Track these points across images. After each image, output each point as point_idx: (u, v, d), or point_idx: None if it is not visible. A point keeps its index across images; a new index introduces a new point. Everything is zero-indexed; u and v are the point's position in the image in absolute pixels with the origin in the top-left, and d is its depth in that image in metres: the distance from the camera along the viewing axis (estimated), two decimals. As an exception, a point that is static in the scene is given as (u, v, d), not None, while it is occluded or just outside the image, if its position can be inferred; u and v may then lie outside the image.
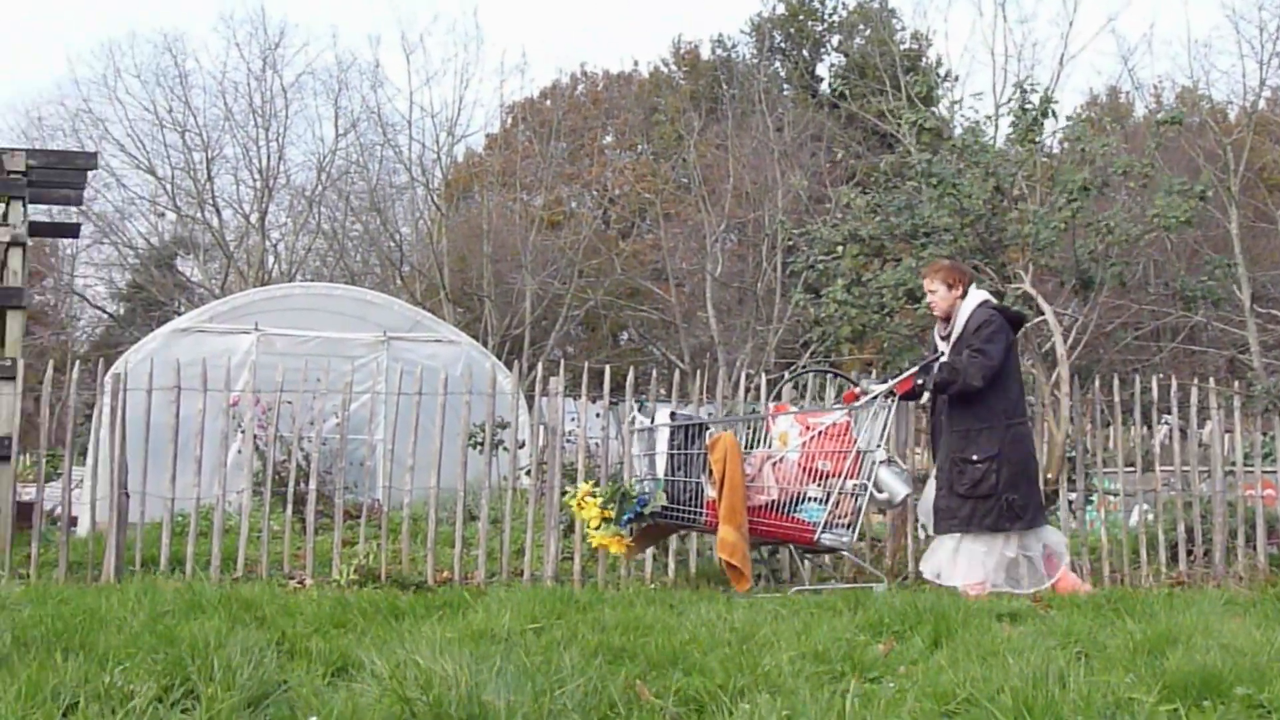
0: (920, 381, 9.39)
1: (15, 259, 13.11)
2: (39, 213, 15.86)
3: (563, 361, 13.61)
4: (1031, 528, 9.29)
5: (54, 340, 39.81)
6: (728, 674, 5.21)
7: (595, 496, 9.11)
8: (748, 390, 11.22)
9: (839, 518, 9.08)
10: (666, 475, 9.21)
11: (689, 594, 8.48)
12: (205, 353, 12.65)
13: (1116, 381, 11.07)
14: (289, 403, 10.81)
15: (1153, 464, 11.19)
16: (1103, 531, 10.68)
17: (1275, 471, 13.33)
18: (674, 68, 48.53)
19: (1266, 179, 33.07)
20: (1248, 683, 5.05)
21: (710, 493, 9.00)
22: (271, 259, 40.72)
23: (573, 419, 11.68)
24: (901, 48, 38.86)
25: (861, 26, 44.73)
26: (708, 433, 9.30)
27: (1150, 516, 10.95)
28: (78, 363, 11.36)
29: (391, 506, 11.34)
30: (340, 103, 40.98)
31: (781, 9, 46.74)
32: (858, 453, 9.17)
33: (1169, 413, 11.42)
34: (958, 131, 16.15)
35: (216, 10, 76.38)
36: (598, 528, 9.07)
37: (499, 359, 23.78)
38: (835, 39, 47.09)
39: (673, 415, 9.47)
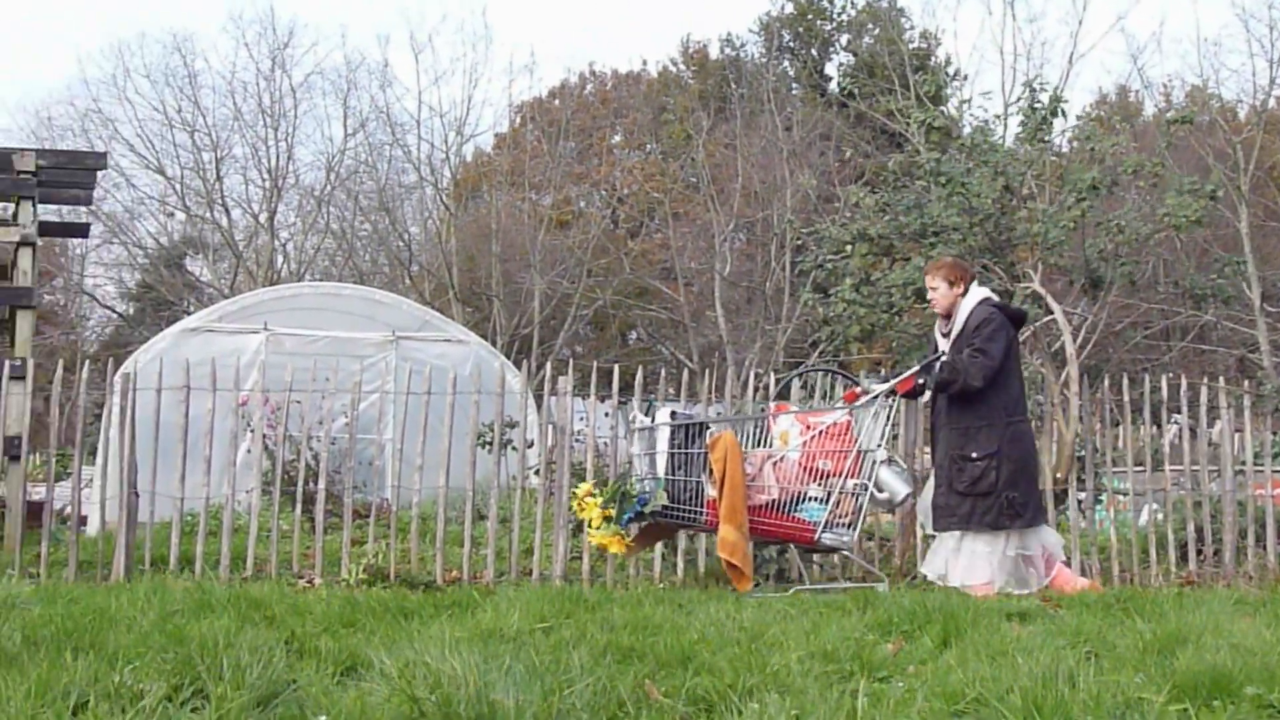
0: (921, 381, 9.38)
1: (25, 259, 13.15)
2: (48, 212, 15.90)
3: (571, 361, 13.62)
4: (1031, 526, 9.27)
5: (64, 340, 39.89)
6: (737, 673, 5.21)
7: (595, 497, 9.11)
8: (756, 390, 11.22)
9: (840, 517, 9.06)
10: (667, 474, 9.19)
11: (698, 593, 8.46)
12: (214, 352, 12.66)
13: (1126, 381, 11.06)
14: (298, 402, 10.81)
15: (1162, 463, 11.19)
16: (1112, 531, 10.68)
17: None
18: (683, 67, 48.53)
19: (1276, 178, 32.99)
20: (1258, 682, 5.04)
21: (711, 492, 8.97)
22: (280, 259, 40.78)
23: (581, 418, 11.68)
24: (910, 47, 38.91)
25: (870, 25, 44.71)
26: (708, 432, 9.29)
27: (1160, 516, 10.94)
28: (87, 362, 11.38)
29: (400, 506, 11.36)
30: (349, 102, 41.09)
31: (790, 8, 46.72)
32: (858, 452, 9.15)
33: (1178, 412, 11.40)
34: (967, 130, 16.09)
35: (225, 10, 76.67)
36: (598, 527, 9.06)
37: (508, 358, 23.83)
38: (844, 38, 47.11)
39: (673, 414, 9.46)
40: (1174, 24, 77.26)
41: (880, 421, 9.26)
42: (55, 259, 40.18)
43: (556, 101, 44.36)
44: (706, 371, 11.23)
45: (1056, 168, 14.24)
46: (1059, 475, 10.68)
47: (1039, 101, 13.05)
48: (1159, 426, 11.26)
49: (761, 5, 63.63)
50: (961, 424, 9.24)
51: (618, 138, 45.80)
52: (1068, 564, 9.76)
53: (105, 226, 39.40)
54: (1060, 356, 11.55)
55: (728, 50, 47.32)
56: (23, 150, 13.71)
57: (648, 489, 9.19)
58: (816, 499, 9.08)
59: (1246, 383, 11.75)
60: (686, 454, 9.17)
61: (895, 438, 10.87)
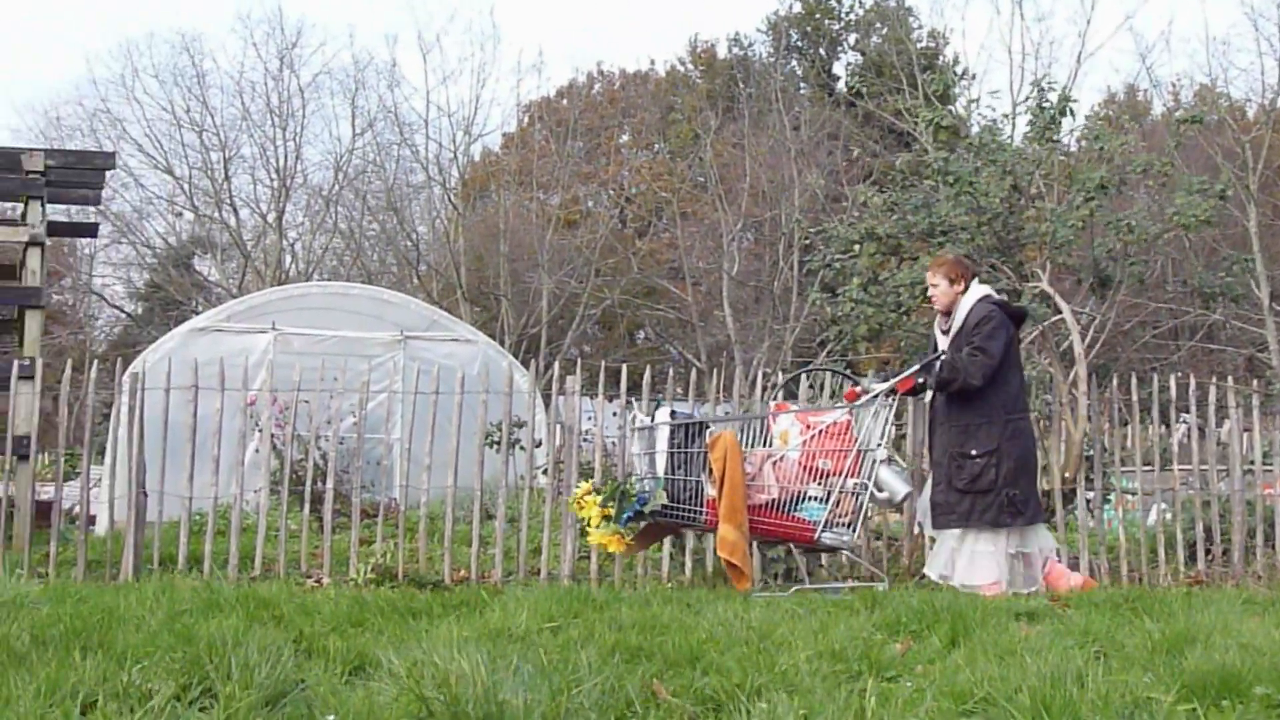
0: (921, 380, 9.37)
1: (34, 259, 13.16)
2: (57, 212, 15.91)
3: (579, 360, 13.61)
4: (1031, 524, 9.26)
5: (72, 339, 39.92)
6: (745, 673, 5.21)
7: (594, 496, 9.10)
8: (765, 390, 11.21)
9: (840, 517, 9.05)
10: (666, 474, 9.18)
11: (706, 593, 8.46)
12: (223, 352, 12.68)
13: (1134, 380, 11.04)
14: (306, 402, 10.82)
15: (1171, 463, 11.17)
16: (1121, 530, 10.65)
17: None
18: (690, 67, 48.52)
19: (1286, 177, 32.96)
20: (1267, 682, 5.03)
21: (710, 491, 8.97)
22: (289, 258, 40.81)
23: (589, 418, 11.68)
24: (918, 46, 38.87)
25: (878, 25, 44.73)
26: (707, 431, 9.28)
27: (1168, 515, 10.93)
28: (96, 362, 11.38)
29: (408, 505, 11.35)
30: (357, 102, 41.12)
31: (798, 7, 46.73)
32: (858, 451, 9.14)
33: (1187, 411, 11.40)
34: (975, 130, 16.10)
35: (234, 10, 76.68)
36: (597, 527, 9.06)
37: (516, 358, 23.81)
38: (852, 37, 47.08)
39: (672, 414, 9.45)
40: (1182, 23, 77.53)
41: (880, 421, 9.25)
42: (64, 259, 40.26)
43: (564, 101, 44.39)
44: (715, 371, 11.23)
45: (1065, 167, 14.22)
46: (1067, 475, 10.68)
47: (1047, 101, 13.05)
48: (1167, 426, 11.23)
49: (769, 5, 63.66)
50: (961, 421, 9.23)
51: (625, 137, 45.77)
52: (1061, 560, 9.74)
53: (114, 226, 39.45)
54: (1068, 356, 11.55)
55: (735, 50, 47.36)
56: (31, 150, 13.71)
57: (647, 488, 9.18)
58: (816, 498, 9.07)
59: (1255, 382, 11.75)
60: (686, 453, 9.16)
61: (903, 437, 10.87)
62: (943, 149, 14.11)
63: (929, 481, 9.56)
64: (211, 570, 9.92)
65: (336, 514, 10.54)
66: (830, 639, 6.14)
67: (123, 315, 44.44)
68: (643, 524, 9.29)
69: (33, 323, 13.09)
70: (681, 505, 9.08)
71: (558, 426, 10.75)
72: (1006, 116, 22.68)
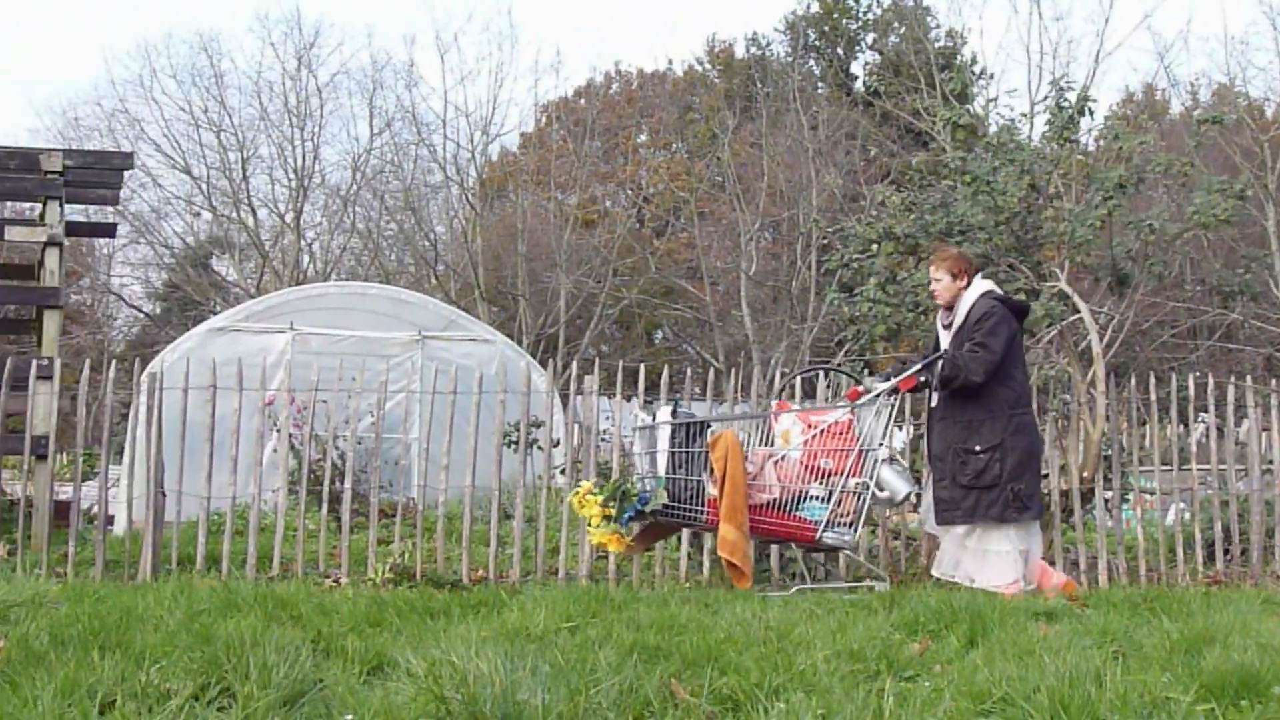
0: (923, 379, 9.35)
1: (52, 259, 13.20)
2: (76, 213, 15.95)
3: (597, 360, 13.60)
4: (1035, 520, 9.25)
5: (90, 339, 39.94)
6: (763, 673, 5.20)
7: (596, 495, 9.09)
8: (782, 390, 11.20)
9: (841, 516, 9.03)
10: (668, 473, 9.17)
11: (723, 593, 8.46)
12: (241, 352, 12.70)
13: (1153, 379, 11.02)
14: (324, 402, 10.84)
15: (1189, 462, 11.15)
16: (1139, 530, 10.64)
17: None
18: (708, 66, 48.49)
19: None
20: (1286, 683, 5.03)
21: (711, 491, 8.97)
22: (306, 258, 40.86)
23: (607, 418, 11.68)
24: (936, 45, 38.84)
25: (896, 24, 44.63)
26: (709, 430, 9.28)
27: (1187, 515, 10.91)
28: (114, 362, 11.41)
29: (426, 505, 11.36)
30: (375, 102, 41.16)
31: (816, 7, 46.69)
32: (860, 451, 9.12)
33: (1206, 410, 11.37)
34: (993, 129, 16.07)
35: (252, 10, 76.56)
36: (598, 526, 9.05)
37: (534, 358, 23.81)
38: (870, 37, 47.03)
39: (674, 413, 9.44)
40: (1201, 22, 77.28)
41: (882, 420, 9.23)
42: (82, 259, 40.34)
43: (582, 101, 44.39)
44: (733, 371, 11.22)
45: (1083, 166, 14.18)
46: (1086, 474, 10.65)
47: (1066, 100, 13.01)
48: (1186, 425, 11.21)
49: (787, 4, 63.57)
50: (964, 417, 9.20)
51: (643, 137, 45.75)
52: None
53: (132, 226, 39.49)
54: (1087, 355, 11.52)
55: (753, 49, 47.32)
56: (50, 150, 13.76)
57: (648, 488, 9.18)
58: (818, 498, 9.06)
59: (1274, 381, 11.69)
60: (687, 453, 9.16)
61: (920, 437, 10.84)
62: (960, 148, 14.07)
63: (930, 479, 9.54)
64: (229, 570, 9.94)
65: (354, 514, 10.54)
66: (848, 639, 6.13)
67: (141, 315, 44.54)
68: (644, 523, 9.30)
69: (51, 323, 13.13)
70: (682, 504, 9.09)
71: (575, 426, 10.75)
72: (1024, 116, 22.62)
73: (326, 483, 10.55)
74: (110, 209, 19.35)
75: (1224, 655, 5.48)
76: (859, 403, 9.20)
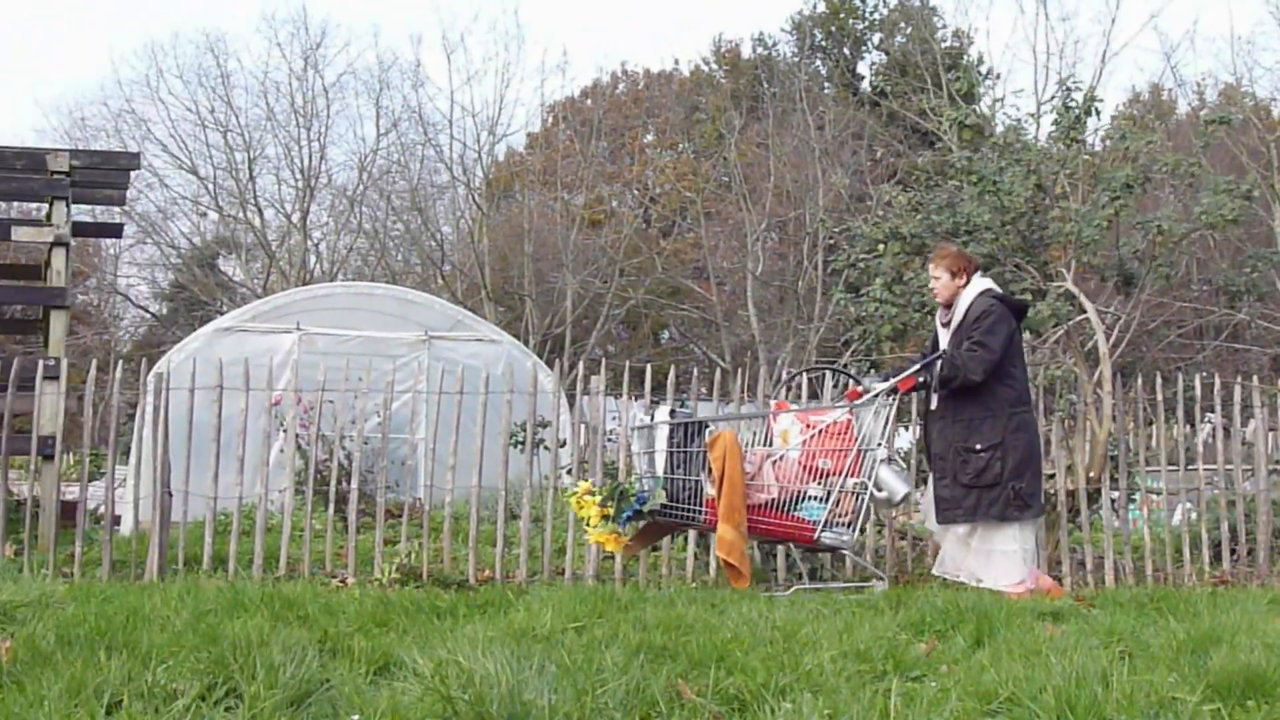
0: (922, 379, 9.34)
1: (59, 259, 13.19)
2: (82, 213, 15.94)
3: (604, 360, 13.61)
4: (1037, 518, 9.24)
5: (97, 340, 39.97)
6: (770, 673, 5.20)
7: (594, 495, 9.10)
8: (788, 389, 11.20)
9: (840, 516, 9.03)
10: (666, 473, 9.18)
11: (730, 593, 8.45)
12: (247, 352, 12.70)
13: (1159, 379, 11.02)
14: (331, 402, 10.83)
15: (1196, 462, 11.13)
16: (1145, 530, 10.64)
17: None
18: (715, 66, 48.47)
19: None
20: (1293, 683, 5.02)
21: (710, 491, 8.97)
22: (313, 258, 40.86)
23: (614, 418, 11.68)
24: (943, 46, 38.83)
25: (903, 24, 44.59)
26: (707, 430, 9.28)
27: (1193, 515, 10.89)
28: (121, 362, 11.43)
29: (433, 505, 11.37)
30: (381, 102, 41.16)
31: (822, 7, 46.65)
32: (859, 451, 9.12)
33: (1212, 411, 11.36)
34: (999, 129, 16.05)
35: (258, 10, 76.76)
36: (595, 526, 9.05)
37: (540, 358, 23.86)
38: (876, 37, 47.01)
39: (672, 413, 9.45)
40: (1207, 22, 77.08)
41: (881, 420, 9.23)
42: (89, 259, 40.33)
43: (589, 101, 44.34)
44: (739, 371, 11.22)
45: (1090, 166, 14.17)
46: (1092, 474, 10.65)
47: (1072, 100, 12.99)
48: (1192, 425, 11.21)
49: (794, 4, 63.55)
50: (964, 415, 9.20)
51: (650, 137, 45.74)
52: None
53: (138, 226, 39.52)
54: (1093, 355, 11.50)
55: (760, 49, 47.26)
56: (56, 151, 13.76)
57: (646, 487, 9.19)
58: (816, 498, 9.06)
59: (1281, 381, 11.69)
60: (685, 452, 9.17)
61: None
62: (967, 148, 14.06)
63: (930, 478, 9.53)
64: (236, 570, 9.94)
65: (361, 514, 10.55)
66: (855, 639, 6.13)
67: (147, 315, 44.52)
68: (642, 523, 9.30)
69: (57, 323, 13.12)
70: (681, 504, 9.10)
71: (582, 426, 10.75)
72: (1031, 116, 22.68)
73: (333, 483, 10.52)
74: (117, 209, 19.34)
75: (1230, 655, 5.47)
76: (858, 403, 9.20)
